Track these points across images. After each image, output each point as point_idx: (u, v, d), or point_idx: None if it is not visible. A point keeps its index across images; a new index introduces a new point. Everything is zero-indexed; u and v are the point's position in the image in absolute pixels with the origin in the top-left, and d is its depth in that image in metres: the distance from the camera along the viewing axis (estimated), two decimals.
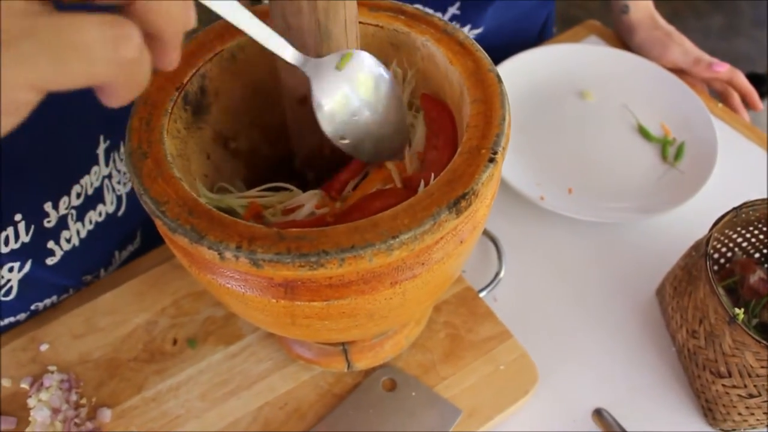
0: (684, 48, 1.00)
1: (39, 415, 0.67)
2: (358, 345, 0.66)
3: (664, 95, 0.96)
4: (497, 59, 0.95)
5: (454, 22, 0.99)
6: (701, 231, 0.69)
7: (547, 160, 0.89)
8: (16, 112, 0.28)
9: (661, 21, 1.03)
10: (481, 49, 0.54)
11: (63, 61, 0.27)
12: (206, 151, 0.57)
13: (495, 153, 0.46)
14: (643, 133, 0.92)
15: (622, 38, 1.07)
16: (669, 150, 0.90)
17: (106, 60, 0.28)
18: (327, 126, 0.50)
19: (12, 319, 0.77)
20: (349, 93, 0.50)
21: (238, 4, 0.41)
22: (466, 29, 1.01)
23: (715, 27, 2.73)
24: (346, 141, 0.52)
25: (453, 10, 0.97)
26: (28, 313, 0.78)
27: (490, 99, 0.50)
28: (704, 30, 2.71)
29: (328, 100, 0.50)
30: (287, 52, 0.46)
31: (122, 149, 0.80)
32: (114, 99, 0.31)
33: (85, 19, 0.27)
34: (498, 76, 0.52)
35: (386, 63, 0.59)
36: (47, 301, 0.79)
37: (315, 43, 0.51)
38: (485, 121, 0.48)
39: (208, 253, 0.42)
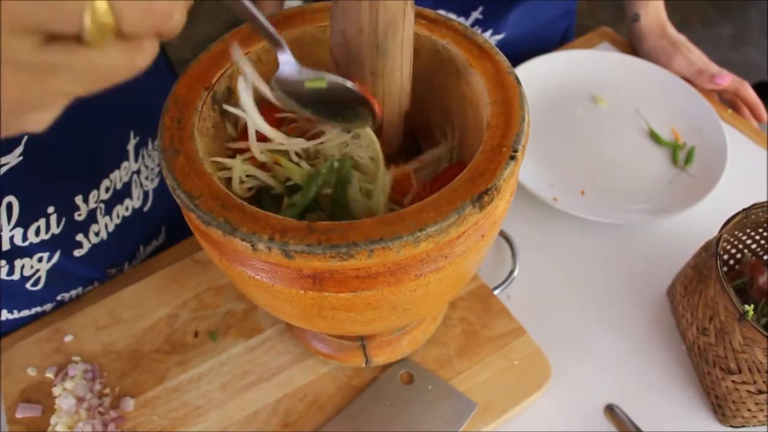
0: (688, 59, 1.02)
1: (64, 403, 0.68)
2: (376, 340, 0.68)
3: (675, 101, 0.98)
4: (516, 66, 0.97)
5: (476, 27, 1.01)
6: (711, 233, 0.71)
7: (560, 162, 0.91)
8: (53, 107, 0.31)
9: (671, 30, 1.05)
10: (500, 52, 0.56)
11: (88, 78, 0.31)
12: (234, 148, 0.59)
13: (515, 151, 0.48)
14: (654, 137, 0.94)
15: (632, 45, 1.09)
16: (679, 154, 0.92)
17: (125, 70, 0.32)
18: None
19: (38, 308, 0.79)
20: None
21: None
22: (487, 34, 1.03)
23: (725, 36, 2.75)
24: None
25: (476, 14, 0.99)
26: (54, 303, 0.80)
27: (509, 100, 0.52)
28: (713, 39, 2.73)
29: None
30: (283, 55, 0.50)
31: (150, 146, 0.82)
32: None
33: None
34: (517, 78, 0.53)
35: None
36: (73, 293, 0.81)
37: (370, 61, 0.52)
38: (505, 120, 0.50)
39: (240, 245, 0.44)
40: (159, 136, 0.51)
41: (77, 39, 0.29)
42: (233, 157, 0.59)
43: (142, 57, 0.32)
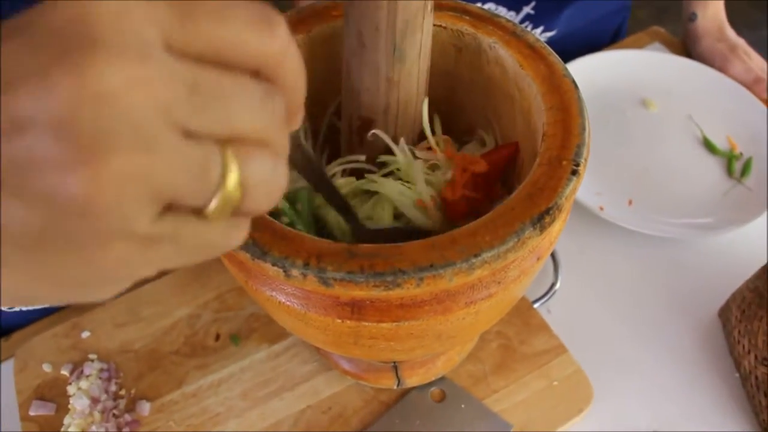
0: (746, 65, 0.96)
1: (78, 403, 0.66)
2: (409, 361, 0.64)
3: (731, 107, 0.92)
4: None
5: (526, 23, 0.96)
6: None
7: (607, 169, 0.85)
8: (130, 280, 0.26)
9: (730, 33, 0.99)
10: (554, 52, 0.51)
11: (187, 254, 0.26)
12: None
13: (577, 165, 0.43)
14: (708, 146, 0.89)
15: (687, 47, 1.03)
16: (735, 165, 0.86)
17: (222, 247, 0.27)
18: None
19: None
20: None
21: None
22: (538, 31, 0.98)
23: None
24: None
25: (528, 9, 0.94)
26: None
27: (567, 106, 0.47)
28: (758, 42, 2.63)
29: None
30: None
31: None
32: None
33: None
34: (574, 82, 0.49)
35: (448, 66, 0.57)
36: None
37: (387, 64, 0.48)
38: (564, 130, 0.46)
39: (271, 270, 0.40)
40: None
41: (195, 211, 0.24)
42: None
43: (239, 235, 0.27)
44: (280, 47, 0.25)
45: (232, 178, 0.24)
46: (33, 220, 0.21)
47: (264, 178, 0.25)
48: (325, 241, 0.40)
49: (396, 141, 0.53)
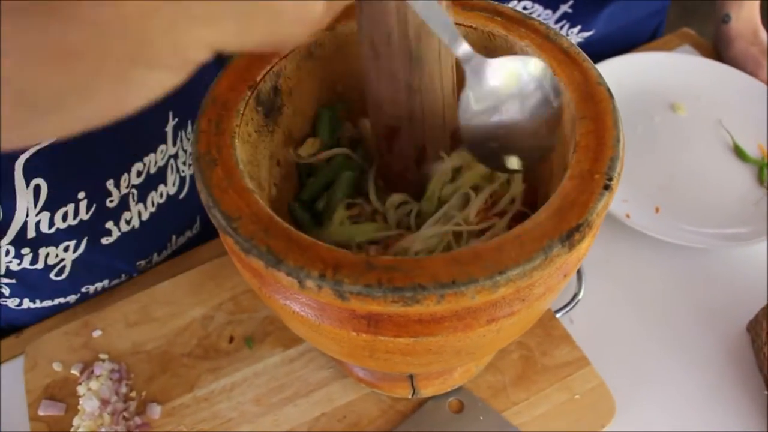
0: None
1: (88, 405, 0.64)
2: (426, 372, 0.62)
3: (763, 114, 0.89)
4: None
5: (564, 21, 0.94)
6: None
7: (634, 175, 0.83)
8: (182, 68, 0.27)
9: (763, 36, 0.96)
10: (588, 58, 0.49)
11: (249, 22, 0.26)
12: (277, 156, 0.53)
13: (610, 179, 0.41)
14: (739, 153, 0.86)
15: (718, 49, 1.00)
16: (766, 173, 0.83)
17: (293, 21, 0.27)
18: (464, 116, 0.45)
19: (62, 299, 0.75)
20: (498, 101, 0.45)
21: None
22: (576, 29, 0.96)
23: None
24: (475, 136, 0.47)
25: (565, 7, 0.92)
26: (79, 295, 0.76)
27: (601, 116, 0.45)
28: None
29: (479, 99, 0.45)
30: (460, 47, 0.42)
31: (189, 128, 0.77)
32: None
33: None
34: (609, 91, 0.47)
35: None
36: (98, 285, 0.76)
37: (405, 71, 0.46)
38: (597, 141, 0.44)
39: (285, 280, 0.38)
40: (193, 140, 0.45)
41: None
42: (278, 165, 0.53)
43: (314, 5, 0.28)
44: None
45: None
46: None
47: None
48: (342, 251, 0.39)
49: (425, 149, 0.51)
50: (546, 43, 0.50)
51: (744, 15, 0.96)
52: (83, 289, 0.76)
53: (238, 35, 0.26)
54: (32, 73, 0.25)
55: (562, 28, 0.96)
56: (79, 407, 0.65)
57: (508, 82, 0.44)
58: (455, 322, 0.41)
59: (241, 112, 0.46)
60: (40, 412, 0.65)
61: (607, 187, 0.41)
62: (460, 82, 0.45)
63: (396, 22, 0.44)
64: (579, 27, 0.96)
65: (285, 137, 0.53)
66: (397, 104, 0.48)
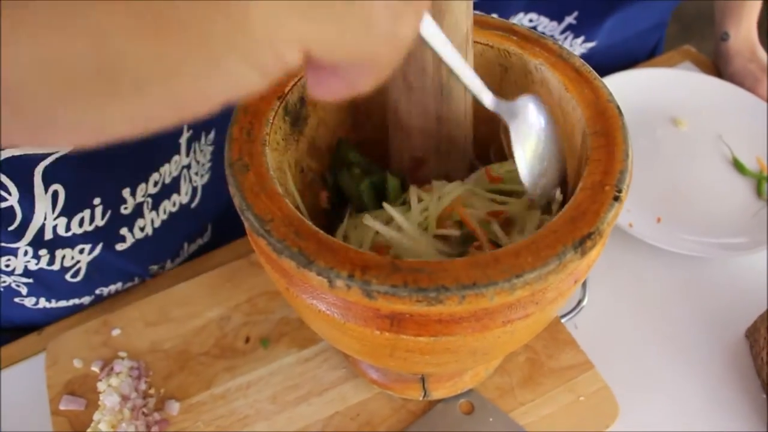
0: None
1: (108, 400, 0.66)
2: (438, 374, 0.64)
3: (762, 129, 0.92)
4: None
5: (568, 32, 0.97)
6: None
7: (637, 186, 0.85)
8: (270, 69, 0.26)
9: (761, 53, 1.00)
10: (599, 77, 0.51)
11: (344, 24, 0.26)
12: (301, 164, 0.55)
13: (620, 191, 0.44)
14: (738, 166, 0.89)
15: (718, 66, 1.03)
16: (765, 186, 0.86)
17: (383, 36, 0.27)
18: (526, 175, 0.49)
19: (77, 300, 0.77)
20: (538, 139, 0.49)
21: (452, 47, 0.44)
22: (579, 40, 0.99)
23: None
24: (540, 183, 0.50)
25: (570, 19, 0.95)
26: (93, 296, 0.78)
27: (611, 132, 0.48)
28: None
29: (524, 147, 0.48)
30: (486, 98, 0.46)
31: (203, 140, 0.79)
32: (362, 81, 0.30)
33: None
34: (618, 108, 0.49)
35: (494, 86, 0.57)
36: (112, 288, 0.78)
37: (436, 104, 0.49)
38: (607, 155, 0.46)
39: (316, 280, 0.41)
40: (227, 148, 0.47)
41: None
42: (302, 172, 0.55)
43: (407, 22, 0.28)
44: None
45: None
46: None
47: None
48: (369, 253, 0.41)
49: (447, 177, 0.54)
50: (559, 62, 0.52)
51: (742, 33, 0.99)
52: (97, 291, 0.78)
53: (332, 38, 0.25)
54: (131, 37, 0.23)
55: (566, 39, 0.99)
56: (99, 403, 0.67)
57: (536, 117, 0.48)
58: (473, 323, 0.43)
59: (271, 121, 0.49)
60: (61, 407, 0.67)
61: (616, 198, 0.43)
62: None
63: (432, 58, 0.46)
64: (582, 38, 0.99)
65: (309, 146, 0.56)
66: (427, 135, 0.51)
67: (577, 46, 1.01)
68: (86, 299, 0.78)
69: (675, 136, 0.93)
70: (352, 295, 0.40)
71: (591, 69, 0.52)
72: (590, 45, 1.01)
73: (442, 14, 0.45)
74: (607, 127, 0.48)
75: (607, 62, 0.99)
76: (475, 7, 0.50)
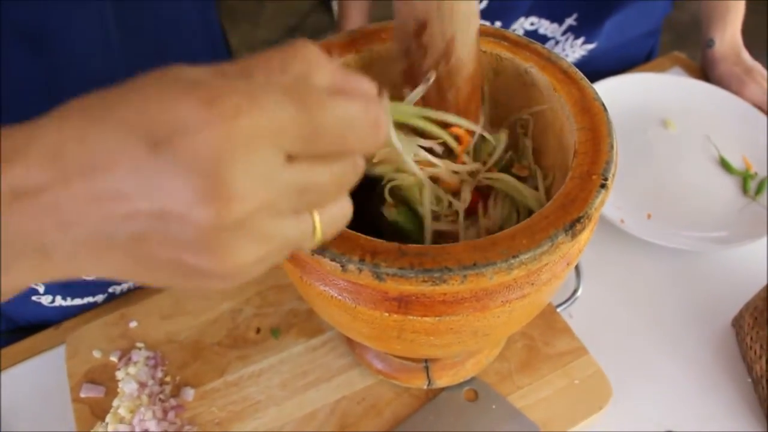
0: (762, 87, 1.00)
1: (127, 387, 0.70)
2: (440, 362, 0.68)
3: (747, 129, 0.96)
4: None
5: (569, 33, 1.01)
6: None
7: (628, 184, 0.90)
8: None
9: (745, 57, 1.04)
10: (585, 77, 0.55)
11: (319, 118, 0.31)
12: None
13: (606, 179, 0.48)
14: (725, 165, 0.93)
15: (705, 71, 1.08)
16: (750, 184, 0.90)
17: (362, 132, 0.32)
18: None
19: (90, 299, 0.80)
20: None
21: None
22: (579, 41, 1.04)
23: None
24: None
25: (570, 21, 1.00)
26: (106, 295, 0.81)
27: (597, 126, 0.52)
28: None
29: None
30: None
31: None
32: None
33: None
34: (603, 105, 0.53)
35: (487, 87, 0.61)
36: (124, 286, 0.82)
37: None
38: (594, 148, 0.50)
39: (329, 265, 0.44)
40: None
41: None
42: None
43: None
44: (382, 141, 0.33)
45: (318, 229, 0.33)
46: None
47: (334, 218, 0.34)
48: (377, 240, 0.45)
49: (453, 40, 0.52)
50: (548, 65, 0.57)
51: (727, 39, 1.03)
52: (110, 289, 0.81)
53: (307, 137, 0.30)
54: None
55: (567, 40, 1.03)
56: (118, 390, 0.70)
57: None
58: (474, 303, 0.47)
59: None
60: (82, 394, 0.71)
61: (603, 186, 0.47)
62: None
63: None
64: (583, 39, 1.04)
65: None
66: None
67: (578, 48, 1.05)
68: (100, 297, 0.81)
69: (665, 137, 0.97)
70: (363, 279, 0.44)
71: (577, 70, 0.56)
72: (590, 46, 1.05)
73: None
74: (593, 123, 0.52)
75: (604, 68, 1.04)
76: (481, 15, 0.52)
